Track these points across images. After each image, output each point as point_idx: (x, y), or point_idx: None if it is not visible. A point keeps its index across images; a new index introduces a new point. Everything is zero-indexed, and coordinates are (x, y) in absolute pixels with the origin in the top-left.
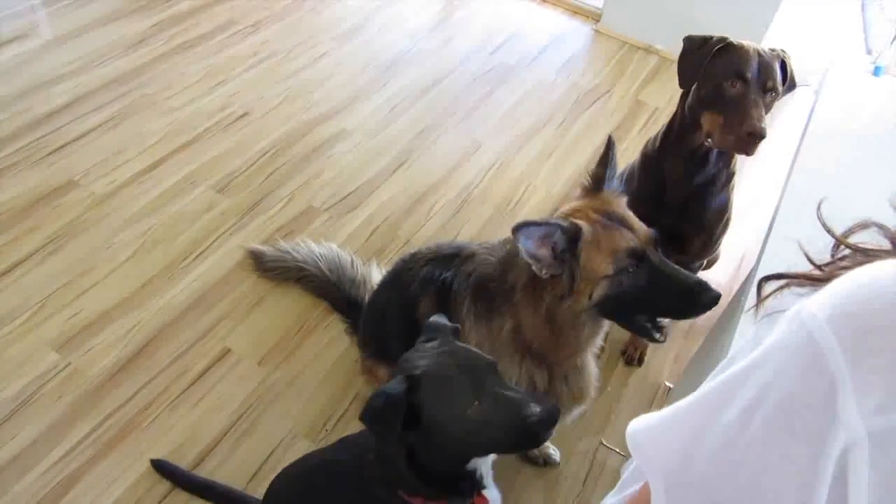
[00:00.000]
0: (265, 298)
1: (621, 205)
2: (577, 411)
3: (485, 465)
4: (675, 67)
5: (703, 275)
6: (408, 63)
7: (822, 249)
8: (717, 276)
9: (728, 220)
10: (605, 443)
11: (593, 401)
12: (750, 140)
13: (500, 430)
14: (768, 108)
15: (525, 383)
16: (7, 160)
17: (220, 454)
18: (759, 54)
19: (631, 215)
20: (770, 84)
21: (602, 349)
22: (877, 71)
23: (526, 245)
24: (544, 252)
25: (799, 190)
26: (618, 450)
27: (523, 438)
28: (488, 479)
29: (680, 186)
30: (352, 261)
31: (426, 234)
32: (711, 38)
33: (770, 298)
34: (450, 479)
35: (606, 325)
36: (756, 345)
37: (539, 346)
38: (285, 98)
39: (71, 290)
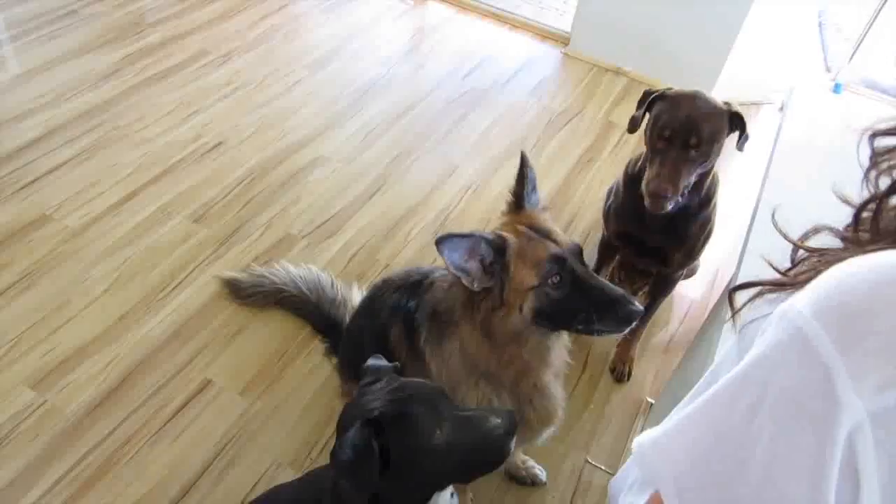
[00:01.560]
0: (245, 327)
1: (546, 220)
2: (546, 433)
3: (442, 499)
4: (643, 87)
5: (681, 286)
6: (381, 89)
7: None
8: (692, 291)
9: (709, 233)
10: (590, 460)
11: (562, 421)
12: (651, 199)
13: (467, 452)
14: (694, 164)
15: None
16: None
17: (202, 488)
18: (687, 113)
19: (555, 229)
20: (693, 141)
21: (569, 368)
22: (836, 88)
23: (451, 258)
24: (473, 265)
25: (770, 203)
26: (604, 467)
27: (490, 454)
28: None
29: (655, 216)
30: (332, 282)
31: (405, 257)
32: (658, 90)
33: (745, 308)
34: None
35: (558, 344)
36: (740, 353)
37: (485, 365)
38: (259, 126)
39: (46, 325)
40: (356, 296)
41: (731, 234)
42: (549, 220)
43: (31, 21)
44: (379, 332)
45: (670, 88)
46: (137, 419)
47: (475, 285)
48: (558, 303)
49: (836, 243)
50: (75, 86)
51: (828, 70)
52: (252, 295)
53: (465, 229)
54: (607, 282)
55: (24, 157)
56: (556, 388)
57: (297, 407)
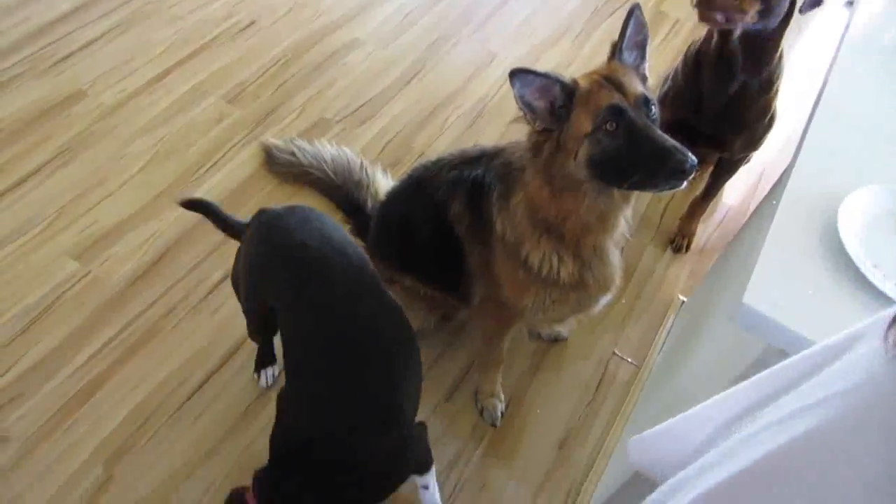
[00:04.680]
0: None
1: (625, 73)
2: (604, 300)
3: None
4: None
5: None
6: None
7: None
8: (730, 197)
9: (772, 120)
10: (617, 352)
11: (619, 290)
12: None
13: None
14: (769, 9)
15: (554, 267)
16: (12, 70)
17: (241, 357)
18: None
19: (629, 80)
20: None
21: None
22: None
23: (521, 91)
24: (541, 104)
25: (831, 104)
26: (630, 359)
27: None
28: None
29: (716, 93)
30: (361, 164)
31: (440, 146)
32: None
33: None
34: None
35: (619, 210)
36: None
37: (545, 213)
38: (294, 6)
39: (85, 200)
40: (381, 179)
41: (779, 135)
42: (628, 75)
43: None
44: (432, 212)
45: None
46: (178, 291)
47: (538, 124)
48: (611, 152)
49: None
50: None
51: None
52: (283, 170)
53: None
54: (665, 135)
55: (57, 31)
56: (615, 256)
57: None
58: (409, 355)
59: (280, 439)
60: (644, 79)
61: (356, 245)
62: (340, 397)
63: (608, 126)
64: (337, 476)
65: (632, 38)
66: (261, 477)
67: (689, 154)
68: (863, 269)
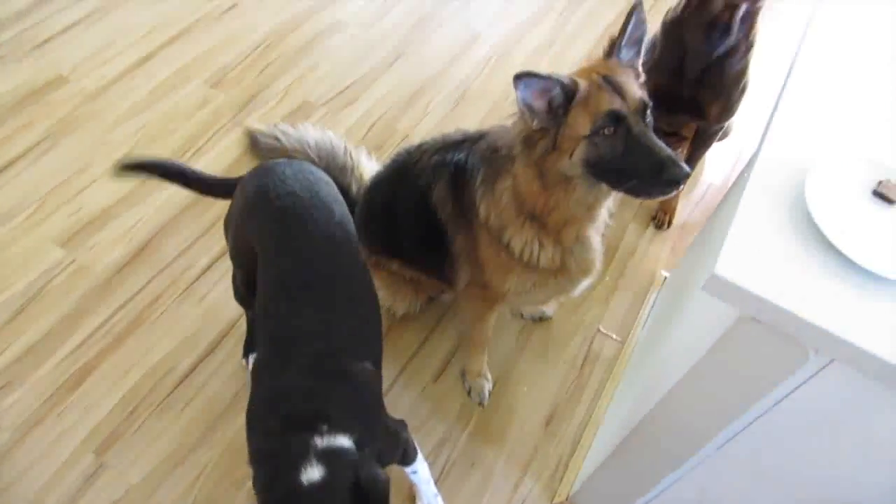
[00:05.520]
0: None
1: (625, 73)
2: (584, 283)
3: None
4: None
5: (704, 167)
6: None
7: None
8: (712, 175)
9: (745, 85)
10: (601, 329)
11: (599, 274)
12: None
13: None
14: None
15: (535, 253)
16: None
17: (228, 345)
18: None
19: (629, 83)
20: None
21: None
22: None
23: (524, 94)
24: (540, 104)
25: (802, 78)
26: (614, 336)
27: None
28: None
29: (700, 55)
30: (345, 148)
31: (424, 128)
32: None
33: None
34: None
35: (604, 202)
36: None
37: (532, 204)
38: None
39: (70, 187)
40: (365, 163)
41: (756, 112)
42: (627, 75)
43: None
44: (416, 197)
45: None
46: (165, 279)
47: (535, 123)
48: (607, 156)
49: None
50: None
51: None
52: (267, 155)
53: (504, 103)
54: (662, 143)
55: (36, 14)
56: (597, 241)
57: None
58: (369, 313)
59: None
60: (639, 75)
61: (344, 205)
62: (294, 346)
63: (606, 131)
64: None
65: (631, 34)
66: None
67: (683, 165)
68: (829, 237)
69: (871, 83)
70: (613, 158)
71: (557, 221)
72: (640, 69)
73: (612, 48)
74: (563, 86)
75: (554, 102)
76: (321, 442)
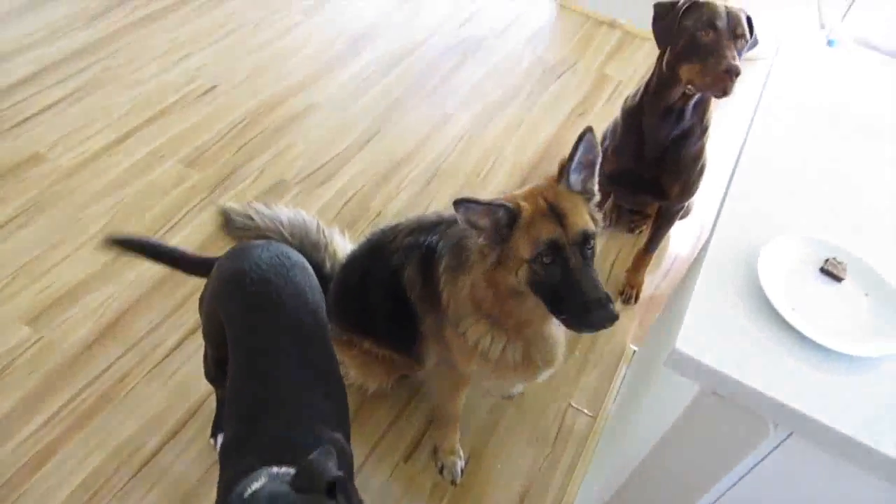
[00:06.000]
0: None
1: (572, 201)
2: (546, 373)
3: None
4: (638, 41)
5: (670, 241)
6: (377, 36)
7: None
8: (678, 247)
9: (703, 166)
10: (573, 404)
11: (561, 364)
12: (727, 77)
13: None
14: (740, 53)
15: (490, 347)
16: None
17: (197, 423)
18: (726, 7)
19: (574, 212)
20: (739, 31)
21: None
22: (830, 44)
23: (465, 216)
24: (485, 222)
25: (753, 157)
26: (586, 410)
27: None
28: None
29: (658, 138)
30: (318, 226)
31: (398, 205)
32: (678, 0)
33: None
34: None
35: None
36: None
37: (487, 309)
38: (254, 71)
39: (42, 263)
40: (339, 240)
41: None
42: (574, 202)
43: None
44: (388, 276)
45: None
46: (133, 356)
47: (481, 240)
48: (546, 283)
49: None
50: (68, 24)
51: (822, 27)
52: (240, 234)
53: (475, 180)
54: (597, 280)
55: (16, 95)
56: (559, 333)
57: None
58: (337, 394)
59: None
60: (590, 198)
61: (318, 290)
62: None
63: (545, 259)
64: None
65: (581, 159)
66: None
67: (611, 308)
68: (782, 313)
69: (817, 163)
70: (552, 285)
71: (513, 324)
72: (594, 190)
73: (561, 172)
74: (506, 210)
75: (499, 223)
76: None
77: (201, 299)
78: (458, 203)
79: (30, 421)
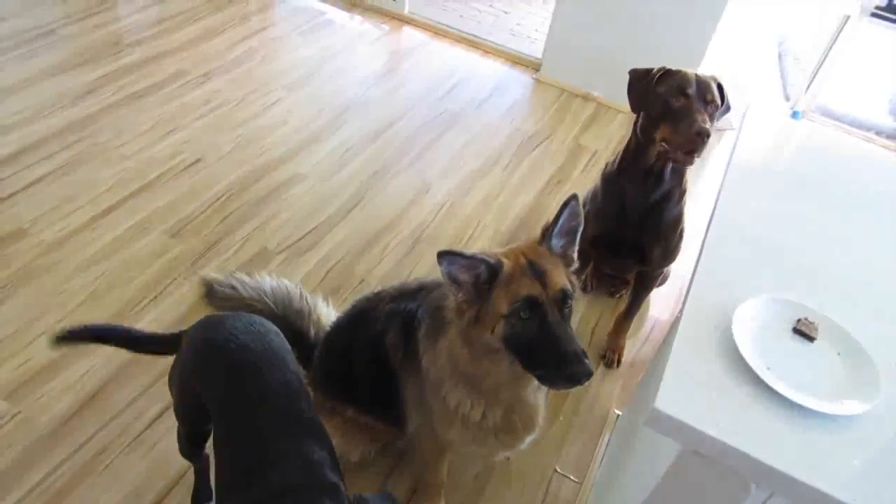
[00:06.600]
0: None
1: (552, 261)
2: (528, 439)
3: None
4: (612, 113)
5: (650, 304)
6: (358, 109)
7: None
8: (658, 311)
9: (682, 230)
10: (558, 470)
11: (542, 430)
12: (698, 139)
13: None
14: (711, 119)
15: (469, 412)
16: None
17: (177, 497)
18: (696, 75)
19: (554, 271)
20: (709, 97)
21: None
22: (795, 115)
23: (448, 269)
24: (466, 277)
25: (724, 223)
26: (572, 476)
27: None
28: None
29: (638, 202)
30: (300, 294)
31: (381, 272)
32: (652, 68)
33: None
34: None
35: None
36: None
37: (464, 368)
38: (238, 144)
39: (21, 337)
40: (323, 308)
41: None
42: (555, 264)
43: (9, 39)
44: (372, 342)
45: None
46: (112, 430)
47: (460, 296)
48: (523, 338)
49: None
50: (54, 103)
51: (787, 99)
52: (223, 304)
53: (456, 246)
54: (573, 337)
55: (2, 172)
56: (538, 398)
57: None
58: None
59: None
60: (570, 263)
61: (293, 357)
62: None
63: (523, 314)
64: None
65: (564, 224)
66: None
67: (587, 364)
68: (758, 372)
69: (785, 227)
70: (528, 341)
71: (490, 386)
72: (574, 258)
73: (543, 234)
74: (487, 265)
75: (480, 278)
76: None
77: (171, 377)
78: (442, 255)
79: (4, 498)
